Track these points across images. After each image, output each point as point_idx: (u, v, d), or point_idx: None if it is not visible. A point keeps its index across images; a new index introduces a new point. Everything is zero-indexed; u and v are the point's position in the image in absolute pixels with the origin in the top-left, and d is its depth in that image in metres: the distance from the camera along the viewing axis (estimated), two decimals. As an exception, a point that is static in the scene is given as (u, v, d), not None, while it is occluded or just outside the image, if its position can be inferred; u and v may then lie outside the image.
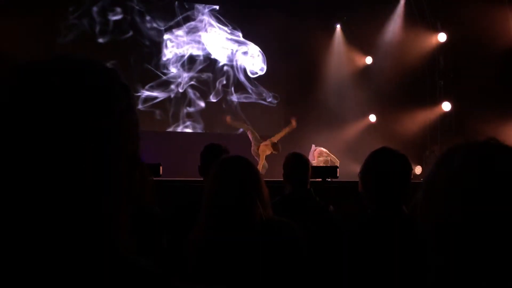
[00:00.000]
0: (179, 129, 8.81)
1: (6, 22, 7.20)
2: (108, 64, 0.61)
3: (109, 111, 0.57)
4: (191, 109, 8.74)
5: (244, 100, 8.90)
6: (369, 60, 9.69)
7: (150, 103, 8.37)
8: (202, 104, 8.74)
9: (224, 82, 8.83)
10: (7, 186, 0.53)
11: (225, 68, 8.81)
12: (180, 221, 2.08)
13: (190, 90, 8.71)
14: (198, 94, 8.72)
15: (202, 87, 8.75)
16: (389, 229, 1.77)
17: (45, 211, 0.53)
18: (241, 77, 8.77)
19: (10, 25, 7.21)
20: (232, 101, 8.93)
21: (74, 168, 0.54)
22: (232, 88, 8.91)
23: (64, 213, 0.54)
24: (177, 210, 2.34)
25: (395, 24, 9.00)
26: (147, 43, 8.40)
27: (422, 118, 8.95)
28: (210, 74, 8.76)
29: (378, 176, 1.85)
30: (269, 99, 9.00)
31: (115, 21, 8.15)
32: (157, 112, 8.53)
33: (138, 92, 8.13)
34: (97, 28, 8.07)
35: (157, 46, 8.47)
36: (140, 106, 8.11)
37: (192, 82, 8.68)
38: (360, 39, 9.53)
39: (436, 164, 0.69)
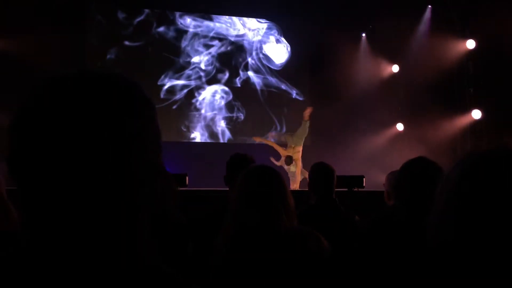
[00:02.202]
0: (204, 138, 8.89)
1: (38, 36, 7.47)
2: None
3: (131, 122, 0.59)
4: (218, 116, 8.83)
5: (269, 89, 8.92)
6: (395, 68, 9.58)
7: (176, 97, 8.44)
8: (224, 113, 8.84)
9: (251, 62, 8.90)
10: (32, 187, 0.56)
11: (250, 53, 8.90)
12: (205, 229, 2.10)
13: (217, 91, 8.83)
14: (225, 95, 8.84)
15: (225, 68, 8.82)
16: (418, 239, 1.74)
17: (63, 212, 0.56)
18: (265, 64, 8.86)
19: (41, 38, 7.48)
20: (254, 85, 8.96)
21: (95, 174, 0.56)
22: (257, 75, 8.98)
23: (82, 216, 0.56)
24: (202, 219, 2.36)
25: (422, 31, 8.88)
26: (172, 33, 8.57)
27: (451, 126, 8.75)
28: (234, 58, 8.90)
29: (413, 186, 1.78)
30: (294, 95, 9.11)
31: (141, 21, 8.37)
32: (184, 122, 8.69)
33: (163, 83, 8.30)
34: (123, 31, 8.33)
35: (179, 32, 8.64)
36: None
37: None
38: (386, 48, 9.44)
39: (446, 174, 0.68)
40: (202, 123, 8.86)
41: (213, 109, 8.88)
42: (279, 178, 1.79)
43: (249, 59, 9.02)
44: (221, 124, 8.90)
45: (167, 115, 8.31)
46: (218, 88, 8.90)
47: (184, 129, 8.77)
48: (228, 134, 8.97)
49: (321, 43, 8.91)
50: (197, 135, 8.87)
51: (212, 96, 8.89)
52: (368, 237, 1.79)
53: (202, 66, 8.80)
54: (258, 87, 9.07)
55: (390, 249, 1.69)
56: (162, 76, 8.60)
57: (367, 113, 9.24)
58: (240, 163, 2.51)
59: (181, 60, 8.73)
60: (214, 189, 5.57)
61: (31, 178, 0.56)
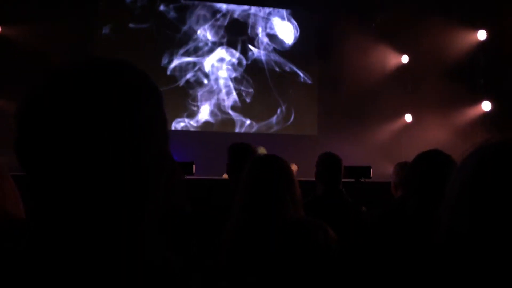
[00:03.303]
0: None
1: (42, 22, 7.50)
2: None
3: (138, 110, 0.59)
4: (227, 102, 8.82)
5: (276, 69, 8.91)
6: (405, 59, 9.48)
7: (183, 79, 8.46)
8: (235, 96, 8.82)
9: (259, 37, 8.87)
10: (41, 175, 0.56)
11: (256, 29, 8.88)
12: (212, 219, 2.11)
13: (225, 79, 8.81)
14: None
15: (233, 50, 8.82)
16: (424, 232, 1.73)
17: (68, 202, 0.56)
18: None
19: (46, 25, 7.50)
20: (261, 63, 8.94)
21: (101, 164, 0.56)
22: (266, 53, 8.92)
23: (87, 205, 0.56)
24: (208, 209, 2.37)
25: (432, 22, 8.77)
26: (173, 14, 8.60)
27: (461, 118, 8.68)
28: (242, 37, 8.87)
29: (425, 178, 1.74)
30: (302, 79, 9.07)
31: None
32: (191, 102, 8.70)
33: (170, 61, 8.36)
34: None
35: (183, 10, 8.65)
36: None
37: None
38: (396, 38, 9.34)
39: (459, 165, 0.67)
40: (209, 101, 8.83)
41: (218, 88, 8.86)
42: (286, 167, 1.79)
43: (257, 35, 8.94)
44: (227, 104, 8.87)
45: (174, 94, 8.30)
46: (224, 66, 8.88)
47: (194, 108, 8.78)
48: (234, 115, 8.93)
49: (330, 31, 8.84)
50: (204, 115, 8.84)
51: (217, 74, 8.86)
52: (376, 231, 1.79)
53: (208, 38, 8.74)
54: (265, 67, 9.01)
55: (400, 243, 1.68)
56: (166, 55, 8.59)
57: (375, 103, 9.17)
58: (242, 152, 2.51)
59: (186, 37, 8.70)
60: (221, 178, 5.59)
61: (37, 165, 0.57)
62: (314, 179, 2.78)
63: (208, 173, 6.67)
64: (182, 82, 8.65)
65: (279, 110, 9.09)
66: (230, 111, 8.87)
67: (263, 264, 1.62)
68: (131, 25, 8.40)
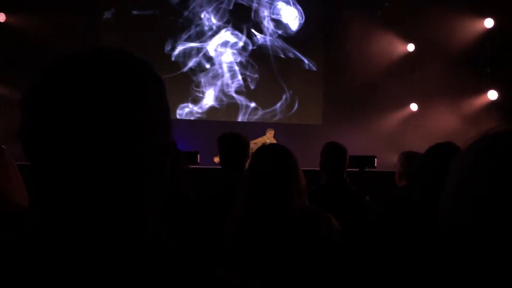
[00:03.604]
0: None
1: (47, 9, 7.50)
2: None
3: (141, 100, 0.59)
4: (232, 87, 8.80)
5: (280, 55, 8.86)
6: (411, 47, 9.41)
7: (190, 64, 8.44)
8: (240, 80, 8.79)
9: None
10: (47, 161, 0.57)
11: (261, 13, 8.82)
12: (215, 207, 2.12)
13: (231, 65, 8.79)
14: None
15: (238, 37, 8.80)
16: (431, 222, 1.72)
17: (72, 190, 0.56)
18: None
19: (51, 14, 7.50)
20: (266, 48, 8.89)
21: (104, 153, 0.56)
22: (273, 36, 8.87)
23: (91, 193, 0.56)
24: (212, 197, 2.38)
25: (438, 10, 8.68)
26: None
27: (467, 107, 8.63)
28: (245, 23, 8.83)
29: (437, 171, 1.72)
30: (307, 66, 9.04)
31: None
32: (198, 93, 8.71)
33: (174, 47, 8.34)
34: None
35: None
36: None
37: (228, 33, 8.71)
38: (402, 26, 9.26)
39: (460, 154, 0.66)
40: (214, 86, 8.82)
41: (223, 72, 8.84)
42: (291, 157, 1.77)
43: (262, 20, 8.87)
44: (232, 88, 8.85)
45: (178, 81, 8.32)
46: (228, 50, 8.84)
47: (199, 94, 8.77)
48: (238, 98, 8.89)
49: (336, 19, 8.78)
50: (209, 100, 8.82)
51: (221, 58, 8.83)
52: (381, 222, 1.78)
53: (212, 22, 8.68)
54: (270, 52, 8.94)
55: (406, 234, 1.68)
56: (170, 41, 8.56)
57: (380, 92, 9.13)
58: (234, 142, 2.50)
59: (189, 22, 8.66)
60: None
61: (40, 154, 0.57)
62: (318, 168, 2.78)
63: (213, 162, 6.69)
64: (186, 69, 8.64)
65: (284, 97, 9.07)
66: (235, 95, 8.84)
67: (267, 254, 1.63)
68: (134, 12, 8.38)
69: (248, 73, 8.88)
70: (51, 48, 7.08)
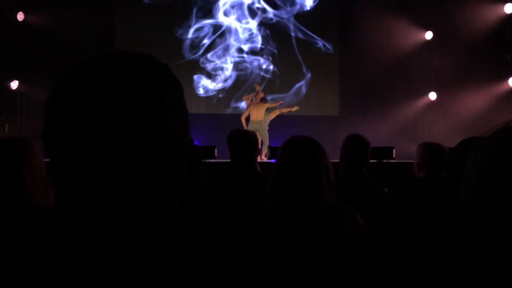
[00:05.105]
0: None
1: (64, 9, 7.60)
2: None
3: (160, 102, 0.60)
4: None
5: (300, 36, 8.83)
6: (429, 35, 9.24)
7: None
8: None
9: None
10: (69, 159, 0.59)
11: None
12: (233, 201, 2.12)
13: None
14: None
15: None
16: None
17: (95, 189, 0.58)
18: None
19: (69, 13, 7.60)
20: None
21: (127, 153, 0.58)
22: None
23: (114, 191, 0.58)
24: (228, 191, 2.39)
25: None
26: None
27: (487, 95, 8.45)
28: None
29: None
30: (323, 48, 8.99)
31: None
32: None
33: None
34: None
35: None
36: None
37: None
38: (420, 14, 9.09)
39: (479, 144, 0.65)
40: (230, 61, 8.79)
41: (239, 46, 8.82)
42: (322, 150, 1.73)
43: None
44: (252, 67, 8.85)
45: (192, 62, 8.40)
46: (243, 26, 8.80)
47: (218, 73, 8.81)
48: (255, 58, 8.84)
49: (352, 7, 8.70)
50: (226, 75, 8.84)
51: (237, 34, 8.80)
52: (403, 217, 1.75)
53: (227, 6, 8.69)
54: (290, 32, 8.84)
55: (431, 227, 1.65)
56: (184, 25, 8.57)
57: (398, 81, 9.00)
58: (243, 140, 2.56)
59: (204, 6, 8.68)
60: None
61: (64, 156, 0.58)
62: (335, 160, 2.76)
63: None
64: (201, 50, 8.67)
65: (302, 82, 9.03)
66: (251, 56, 8.82)
67: (293, 249, 1.60)
68: (146, 0, 8.48)
69: (265, 51, 8.88)
70: (68, 45, 7.18)
